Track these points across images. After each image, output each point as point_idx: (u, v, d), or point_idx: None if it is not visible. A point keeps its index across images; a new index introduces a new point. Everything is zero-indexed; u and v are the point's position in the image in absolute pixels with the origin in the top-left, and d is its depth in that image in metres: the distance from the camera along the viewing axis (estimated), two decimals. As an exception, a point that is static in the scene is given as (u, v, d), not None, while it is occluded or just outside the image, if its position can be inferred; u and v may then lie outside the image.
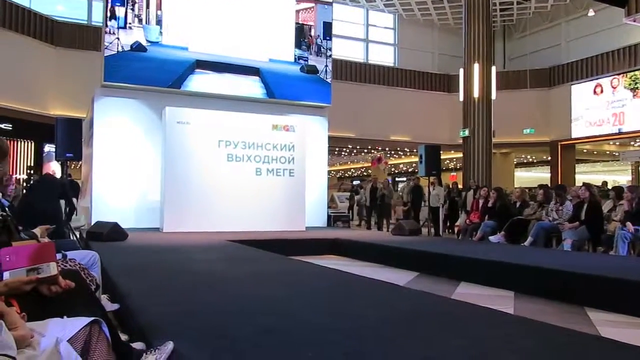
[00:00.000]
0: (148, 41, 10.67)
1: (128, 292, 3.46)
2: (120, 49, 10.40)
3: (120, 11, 10.48)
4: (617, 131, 19.07)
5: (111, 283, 3.97)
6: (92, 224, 8.42)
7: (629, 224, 6.70)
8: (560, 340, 2.52)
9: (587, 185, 8.19)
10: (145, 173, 10.43)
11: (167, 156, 9.69)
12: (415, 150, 18.39)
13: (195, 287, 3.85)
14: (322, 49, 12.28)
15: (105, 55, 10.29)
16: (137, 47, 10.56)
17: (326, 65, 12.30)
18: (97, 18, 16.76)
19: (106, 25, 10.40)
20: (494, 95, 16.23)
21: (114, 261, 4.90)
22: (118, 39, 10.40)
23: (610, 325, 3.93)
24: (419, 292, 3.97)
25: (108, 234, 7.21)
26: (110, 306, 3.23)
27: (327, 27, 12.43)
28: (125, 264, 4.99)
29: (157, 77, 10.68)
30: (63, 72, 15.69)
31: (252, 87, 11.58)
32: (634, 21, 14.70)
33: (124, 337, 2.49)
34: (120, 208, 9.94)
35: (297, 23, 12.08)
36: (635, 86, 18.50)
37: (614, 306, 4.31)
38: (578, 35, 21.58)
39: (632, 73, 18.58)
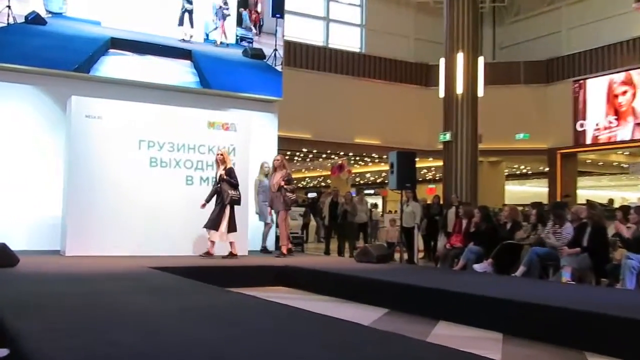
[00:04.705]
0: (48, 12, 10.50)
1: (20, 332, 3.40)
2: (11, 20, 10.16)
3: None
4: (628, 138, 19.84)
5: (-2, 322, 3.89)
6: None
7: None
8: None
9: (590, 204, 8.46)
10: (43, 180, 10.20)
11: (72, 159, 9.51)
12: (385, 157, 18.62)
13: (109, 326, 3.81)
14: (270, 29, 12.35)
15: (-6, 27, 10.04)
16: (34, 19, 10.35)
17: (275, 49, 12.37)
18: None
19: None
20: (480, 92, 16.64)
21: (1, 293, 4.79)
22: (9, 7, 10.13)
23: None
24: (387, 334, 4.04)
25: (-7, 259, 7.02)
26: (-2, 352, 3.17)
27: (278, 1, 12.51)
28: (17, 297, 4.88)
29: (60, 58, 10.49)
30: None
31: (182, 73, 11.54)
32: (646, 8, 15.43)
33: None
34: (9, 225, 9.66)
35: (240, -5, 12.14)
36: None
37: (620, 352, 4.49)
38: (582, 22, 22.41)
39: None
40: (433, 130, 18.82)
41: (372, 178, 33.05)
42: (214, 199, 9.43)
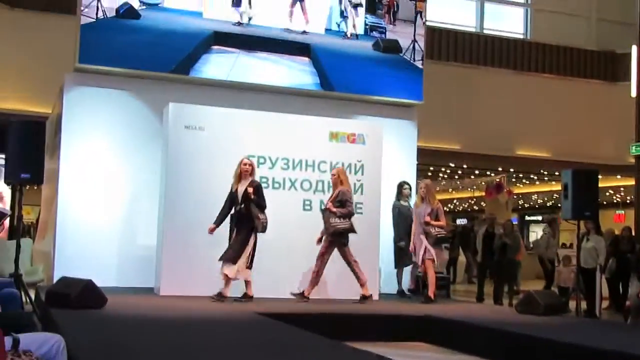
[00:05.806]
0: (143, 3, 11.07)
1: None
2: (101, 15, 10.77)
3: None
4: None
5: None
6: (55, 280, 8.68)
7: None
8: None
9: None
10: (135, 204, 10.76)
11: (169, 179, 9.92)
12: (556, 174, 18.11)
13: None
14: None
15: (82, 23, 10.64)
16: (126, 12, 10.96)
17: (414, 40, 12.37)
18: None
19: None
20: (688, 88, 15.92)
21: (86, 343, 5.05)
22: (99, 0, 10.75)
23: None
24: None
25: (78, 297, 7.38)
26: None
27: (418, -21, 12.56)
28: (105, 346, 5.15)
29: (155, 57, 11.05)
30: (21, 44, 16.17)
31: (299, 73, 11.83)
32: None
33: None
34: (96, 256, 10.20)
35: (369, -25, 12.26)
36: None
37: None
38: None
39: None
40: (622, 140, 18.11)
41: (539, 201, 32.20)
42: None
